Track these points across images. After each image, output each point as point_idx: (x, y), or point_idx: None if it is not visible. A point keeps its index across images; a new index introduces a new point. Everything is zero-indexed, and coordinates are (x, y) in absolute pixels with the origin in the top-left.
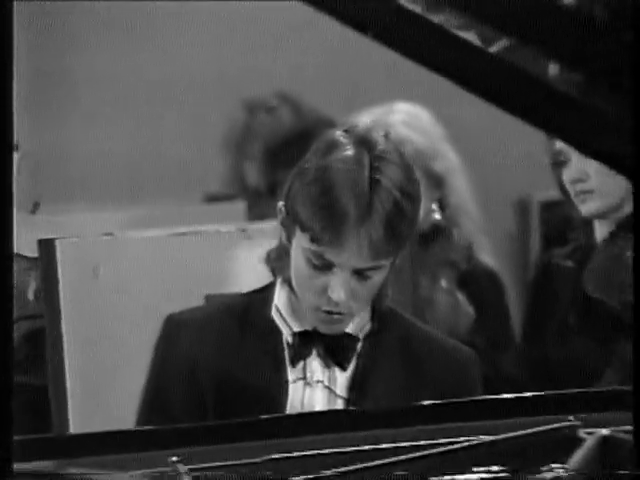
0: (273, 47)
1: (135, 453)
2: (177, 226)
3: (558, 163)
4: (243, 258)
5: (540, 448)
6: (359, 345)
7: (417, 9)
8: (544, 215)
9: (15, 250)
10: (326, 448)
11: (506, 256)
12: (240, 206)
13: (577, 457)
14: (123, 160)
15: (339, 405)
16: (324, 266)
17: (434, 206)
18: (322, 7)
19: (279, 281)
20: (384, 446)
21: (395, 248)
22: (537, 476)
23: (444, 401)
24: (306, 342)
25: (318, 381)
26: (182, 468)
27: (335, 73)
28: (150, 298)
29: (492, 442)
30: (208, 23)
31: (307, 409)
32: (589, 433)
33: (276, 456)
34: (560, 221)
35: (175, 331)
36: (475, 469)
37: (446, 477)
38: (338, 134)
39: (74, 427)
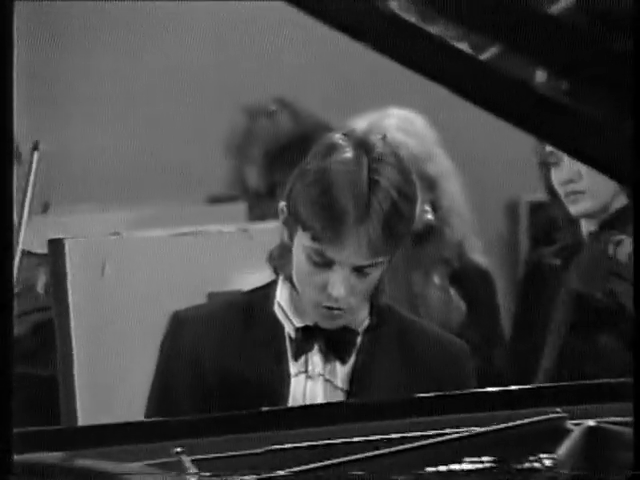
0: (273, 55)
1: (139, 444)
2: (181, 226)
3: (549, 164)
4: (244, 257)
5: (529, 439)
6: (358, 339)
7: (411, 19)
8: (533, 216)
9: (25, 248)
10: (325, 439)
11: (497, 255)
12: (241, 207)
13: (564, 447)
14: (129, 163)
15: (339, 397)
16: (324, 263)
17: (427, 207)
18: (321, 17)
19: (281, 279)
20: (380, 437)
21: (392, 246)
22: (526, 466)
23: (438, 394)
24: (308, 337)
25: (319, 374)
26: (185, 458)
27: (332, 79)
28: (154, 295)
29: (483, 433)
30: (211, 31)
31: (309, 401)
32: (576, 424)
33: (276, 447)
34: (548, 221)
35: (181, 327)
36: (466, 460)
37: (440, 467)
38: (337, 137)
39: (82, 418)
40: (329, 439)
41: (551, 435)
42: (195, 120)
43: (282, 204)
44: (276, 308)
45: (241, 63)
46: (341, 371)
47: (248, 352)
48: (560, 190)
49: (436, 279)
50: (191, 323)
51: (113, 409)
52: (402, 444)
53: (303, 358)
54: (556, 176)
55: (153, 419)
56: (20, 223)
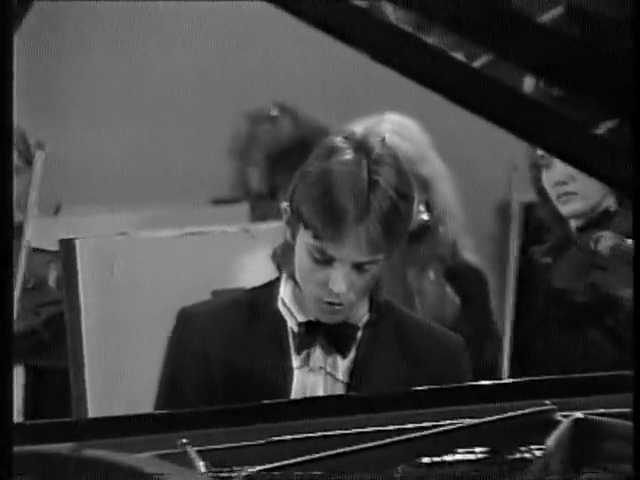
0: (275, 62)
1: (147, 436)
2: (186, 227)
3: (540, 166)
4: (247, 256)
5: (520, 431)
6: (358, 334)
7: (407, 28)
8: (523, 216)
9: (37, 246)
10: (325, 431)
11: (488, 254)
12: (244, 208)
13: (553, 438)
14: (137, 167)
15: (340, 390)
16: (326, 260)
17: (421, 207)
18: (320, 26)
19: (284, 276)
20: (378, 429)
21: (391, 244)
22: (517, 456)
23: (433, 387)
24: (310, 331)
25: (321, 367)
26: (191, 449)
27: (330, 86)
28: (161, 292)
29: (475, 425)
30: (215, 37)
31: (310, 394)
32: (565, 416)
33: (277, 438)
34: (538, 221)
35: (188, 322)
36: (460, 451)
37: (434, 458)
38: (338, 140)
39: (92, 410)
40: (330, 431)
41: (541, 426)
42: (200, 125)
43: (285, 204)
44: (279, 304)
45: (244, 70)
46: (342, 364)
47: (253, 346)
48: (551, 191)
49: (431, 275)
50: (198, 318)
51: (122, 402)
52: (399, 435)
53: (305, 352)
54: (547, 178)
55: (159, 412)
56: (26, 221)
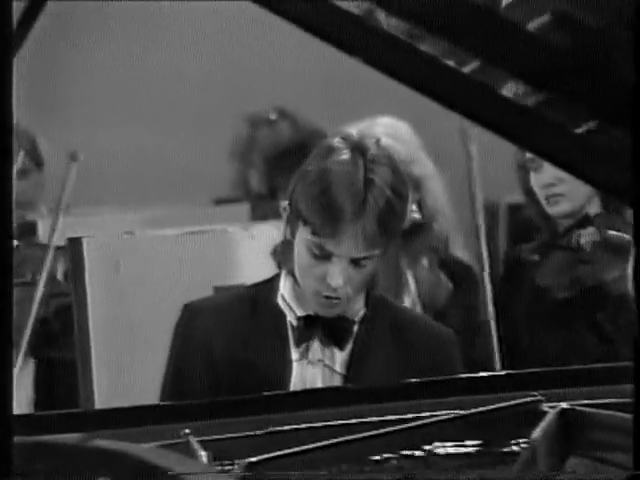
0: (275, 68)
1: (151, 426)
2: (189, 225)
3: (527, 168)
4: (247, 254)
5: (507, 422)
6: (355, 328)
7: (400, 36)
8: (511, 216)
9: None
10: (323, 421)
11: (477, 251)
12: (244, 208)
13: (540, 429)
14: (141, 169)
15: (337, 381)
16: (324, 256)
17: (413, 207)
18: (318, 34)
19: (284, 273)
20: (372, 419)
21: (386, 240)
22: (505, 450)
23: (425, 379)
24: (309, 325)
25: (319, 360)
26: (193, 440)
27: (326, 91)
28: (164, 289)
29: (464, 416)
30: (217, 42)
31: (309, 385)
32: (551, 407)
33: (277, 429)
34: (525, 221)
35: (192, 317)
36: (449, 443)
37: (426, 447)
38: (336, 141)
39: (99, 401)
40: (327, 421)
41: (528, 417)
42: (202, 128)
43: (285, 203)
44: (279, 299)
45: (245, 73)
46: (339, 357)
47: (254, 340)
48: (540, 193)
49: (425, 263)
50: (202, 313)
51: (128, 393)
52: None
53: (304, 345)
54: (536, 180)
55: (163, 403)
56: (54, 227)
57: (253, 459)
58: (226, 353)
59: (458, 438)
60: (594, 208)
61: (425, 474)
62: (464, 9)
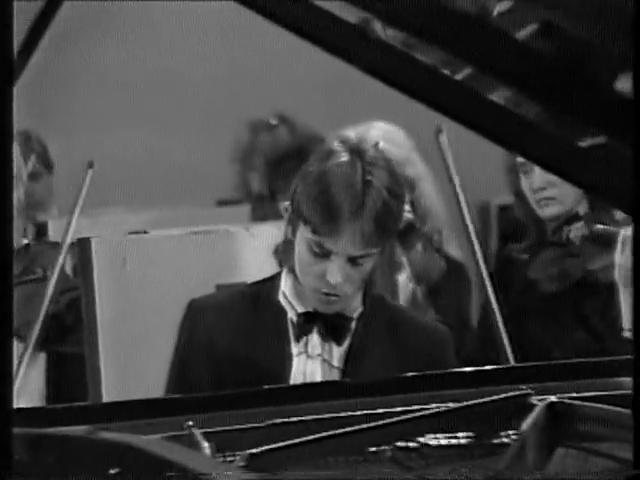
0: (276, 75)
1: (156, 419)
2: (192, 226)
3: (518, 171)
4: (248, 253)
5: (498, 414)
6: (353, 325)
7: (396, 44)
8: (501, 216)
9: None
10: (322, 414)
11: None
12: (246, 209)
13: (529, 420)
14: (147, 170)
15: (335, 375)
16: (323, 254)
17: (407, 207)
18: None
19: (285, 271)
20: (367, 412)
21: (383, 239)
22: (495, 441)
23: (419, 373)
24: (308, 321)
25: (318, 355)
26: (196, 432)
27: (325, 97)
28: (169, 286)
29: (456, 409)
30: (220, 46)
31: (308, 379)
32: (540, 400)
33: (277, 421)
34: (515, 221)
35: (197, 314)
36: (441, 435)
37: (420, 439)
38: (335, 144)
39: (106, 395)
40: (326, 414)
41: (517, 410)
42: (207, 134)
43: (286, 203)
44: (280, 297)
45: (248, 78)
46: (337, 352)
47: (255, 335)
48: (531, 196)
49: (419, 247)
50: (206, 310)
51: (134, 387)
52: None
53: (304, 340)
54: (527, 183)
55: (167, 396)
56: (68, 230)
57: (254, 450)
58: (229, 348)
59: (451, 430)
60: (583, 208)
61: (436, 474)
62: (456, 18)
